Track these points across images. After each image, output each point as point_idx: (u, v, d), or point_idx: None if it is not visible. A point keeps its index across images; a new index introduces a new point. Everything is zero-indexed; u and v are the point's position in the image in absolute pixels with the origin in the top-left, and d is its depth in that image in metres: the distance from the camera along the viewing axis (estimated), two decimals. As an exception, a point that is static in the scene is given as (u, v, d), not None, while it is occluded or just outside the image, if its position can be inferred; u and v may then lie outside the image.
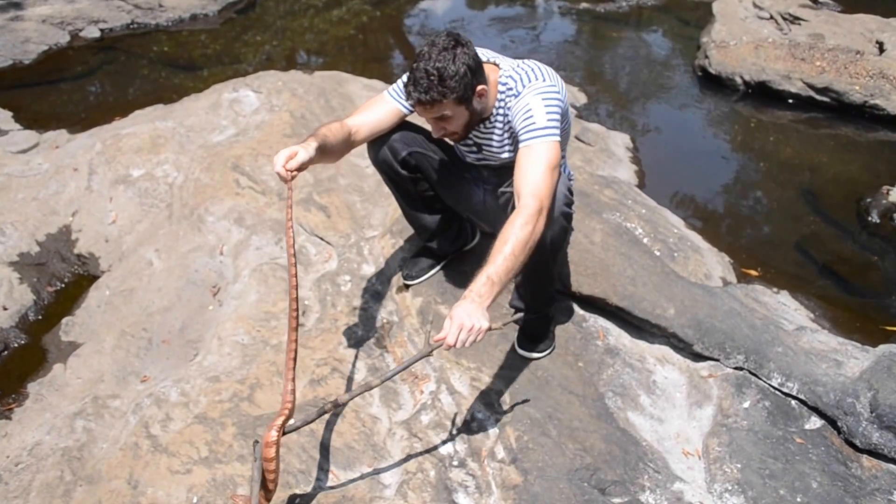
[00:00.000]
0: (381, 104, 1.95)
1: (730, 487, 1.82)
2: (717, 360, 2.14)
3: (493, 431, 1.88)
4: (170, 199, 3.01)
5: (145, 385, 2.18)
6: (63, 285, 2.84)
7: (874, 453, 1.88)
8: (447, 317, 1.52)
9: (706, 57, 4.63)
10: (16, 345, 2.54)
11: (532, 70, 1.78)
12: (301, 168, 1.67)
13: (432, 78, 1.67)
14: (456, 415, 1.94)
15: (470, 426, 1.91)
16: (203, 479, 1.77)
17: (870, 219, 3.22)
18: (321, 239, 2.68)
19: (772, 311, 2.42)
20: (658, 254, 2.54)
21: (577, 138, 3.67)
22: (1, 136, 3.77)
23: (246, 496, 1.67)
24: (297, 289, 1.64)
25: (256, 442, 1.60)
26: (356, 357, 2.15)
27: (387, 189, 2.25)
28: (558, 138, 1.70)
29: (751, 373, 2.09)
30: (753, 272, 2.89)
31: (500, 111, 1.84)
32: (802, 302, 2.67)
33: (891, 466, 1.86)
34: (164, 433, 1.91)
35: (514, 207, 1.70)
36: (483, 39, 5.27)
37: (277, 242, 2.68)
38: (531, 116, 1.70)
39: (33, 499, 1.81)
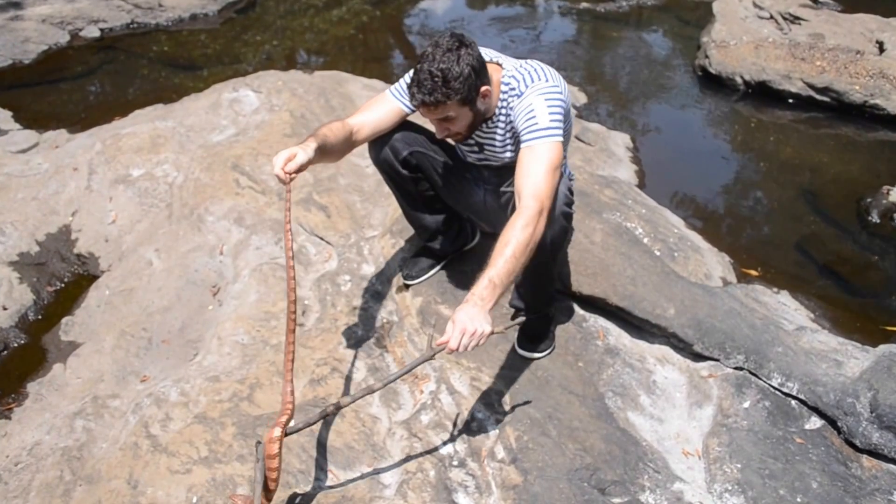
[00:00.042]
0: (382, 104, 1.95)
1: (730, 487, 1.82)
2: (717, 360, 2.14)
3: (493, 431, 1.88)
4: (170, 199, 3.01)
5: (145, 385, 2.18)
6: (63, 285, 2.84)
7: (874, 453, 1.88)
8: (450, 320, 1.52)
9: (706, 57, 4.63)
10: (15, 344, 2.54)
11: (535, 70, 1.78)
12: (300, 170, 1.66)
13: (436, 79, 1.67)
14: (456, 415, 1.94)
15: (470, 426, 1.91)
16: (203, 478, 1.77)
17: (870, 219, 3.22)
18: (321, 239, 2.68)
19: (772, 311, 2.42)
20: (658, 254, 2.54)
21: (578, 138, 3.67)
22: (1, 135, 3.77)
23: (245, 496, 1.67)
24: (294, 291, 1.64)
25: (259, 443, 1.60)
26: (356, 357, 2.15)
27: (387, 189, 2.25)
28: (561, 139, 1.70)
29: (751, 373, 2.09)
30: (753, 272, 2.89)
31: (503, 111, 1.83)
32: (802, 302, 2.67)
33: (891, 466, 1.86)
34: (163, 433, 1.91)
35: (514, 207, 1.70)
36: (483, 39, 5.27)
37: (277, 242, 2.68)
38: (534, 117, 1.70)
39: (33, 498, 1.81)
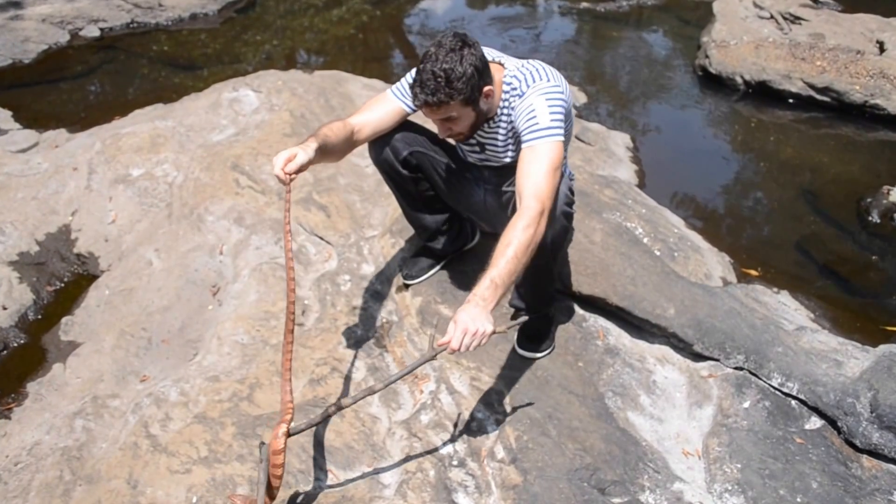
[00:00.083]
0: (383, 103, 1.95)
1: (730, 487, 1.82)
2: (717, 360, 2.14)
3: (493, 431, 1.88)
4: (169, 199, 3.01)
5: (145, 385, 2.18)
6: (62, 285, 2.84)
7: (874, 453, 1.88)
8: (451, 321, 1.52)
9: (706, 56, 4.62)
10: (15, 344, 2.54)
11: (537, 70, 1.78)
12: (300, 170, 1.66)
13: (439, 80, 1.66)
14: (456, 415, 1.93)
15: (469, 426, 1.91)
16: (202, 478, 1.77)
17: (870, 219, 3.22)
18: (321, 238, 2.68)
19: (772, 311, 2.42)
20: (658, 253, 2.54)
21: (577, 138, 3.67)
22: (0, 135, 3.77)
23: (244, 496, 1.67)
24: (294, 292, 1.64)
25: (263, 443, 1.60)
26: (356, 357, 2.15)
27: (387, 188, 2.25)
28: (562, 139, 1.70)
29: (751, 373, 2.09)
30: (754, 272, 2.89)
31: (505, 111, 1.83)
32: (802, 302, 2.67)
33: (891, 466, 1.86)
34: (163, 433, 1.91)
35: (514, 207, 1.70)
36: (483, 39, 5.25)
37: (277, 242, 2.67)
38: (535, 116, 1.70)
39: (32, 498, 1.81)
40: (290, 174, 1.64)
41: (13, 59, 4.87)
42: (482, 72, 1.72)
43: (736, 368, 2.11)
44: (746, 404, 2.01)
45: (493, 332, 1.53)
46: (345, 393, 2.02)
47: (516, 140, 1.87)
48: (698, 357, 2.16)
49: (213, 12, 5.75)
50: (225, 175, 3.01)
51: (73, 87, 4.68)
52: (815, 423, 1.97)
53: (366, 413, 1.97)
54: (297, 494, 1.74)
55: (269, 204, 2.88)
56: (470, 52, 1.69)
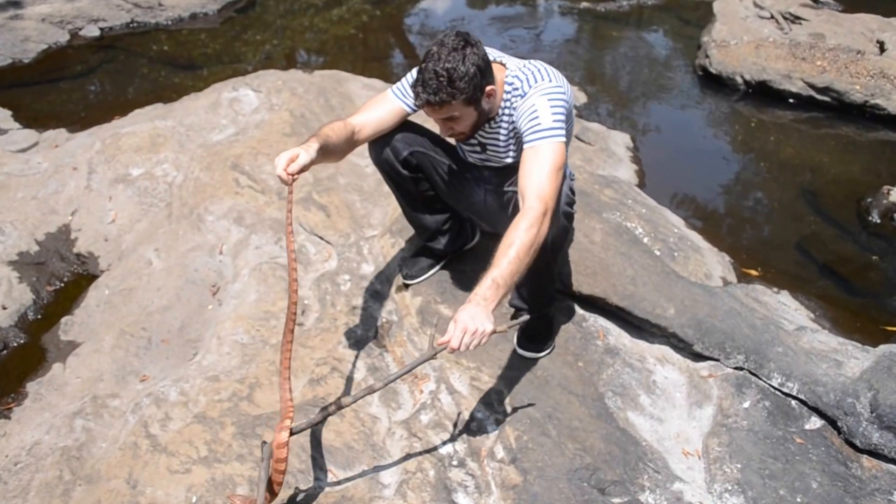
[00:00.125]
0: (384, 103, 1.94)
1: (730, 487, 1.82)
2: (717, 360, 2.14)
3: (493, 431, 1.88)
4: (169, 199, 3.01)
5: (144, 384, 2.18)
6: (62, 284, 2.84)
7: (874, 453, 1.88)
8: (451, 320, 1.52)
9: (707, 56, 4.62)
10: (15, 344, 2.54)
11: (538, 70, 1.78)
12: (302, 170, 1.66)
13: (442, 79, 1.66)
14: (456, 415, 1.93)
15: (469, 426, 1.90)
16: (202, 478, 1.76)
17: (870, 219, 3.22)
18: (321, 238, 2.67)
19: (772, 311, 2.42)
20: (658, 253, 2.54)
21: (578, 137, 3.67)
22: (0, 134, 3.77)
23: (244, 496, 1.67)
24: (296, 293, 1.64)
25: (264, 443, 1.60)
26: (355, 356, 2.15)
27: (386, 188, 2.25)
28: (564, 139, 1.70)
29: (751, 373, 2.09)
30: (754, 272, 2.89)
31: (506, 111, 1.83)
32: (803, 302, 2.67)
33: (891, 467, 1.86)
34: (163, 433, 1.90)
35: (515, 207, 1.69)
36: (483, 39, 5.23)
37: (277, 241, 2.67)
38: (537, 117, 1.69)
39: (32, 498, 1.81)
40: (293, 174, 1.63)
41: (13, 59, 4.87)
42: (484, 71, 1.72)
43: (736, 368, 2.11)
44: (746, 404, 2.01)
45: (494, 332, 1.53)
46: (345, 393, 2.02)
47: (518, 140, 1.86)
48: (698, 357, 2.16)
49: (212, 12, 5.75)
50: (225, 175, 3.01)
51: (73, 86, 4.68)
52: (815, 423, 1.97)
53: (366, 413, 1.97)
54: (297, 494, 1.74)
55: (269, 203, 2.88)
56: (472, 52, 1.68)
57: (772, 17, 4.88)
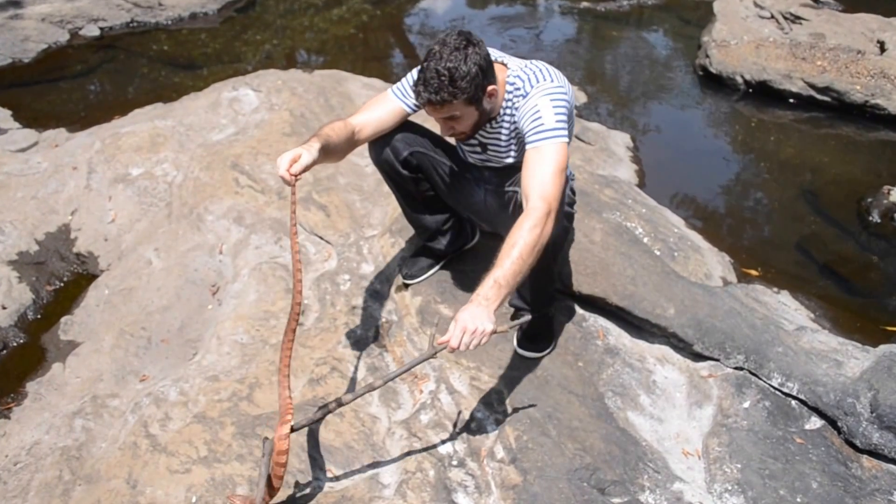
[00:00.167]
0: (384, 103, 1.94)
1: (730, 487, 1.82)
2: (717, 360, 2.13)
3: (493, 431, 1.88)
4: (169, 198, 3.00)
5: (144, 384, 2.18)
6: (62, 284, 2.84)
7: (874, 453, 1.88)
8: (453, 320, 1.52)
9: (707, 56, 4.62)
10: (15, 344, 2.54)
11: (540, 70, 1.78)
12: (305, 170, 1.66)
13: (443, 78, 1.66)
14: (456, 415, 1.93)
15: (469, 426, 1.90)
16: (202, 478, 1.76)
17: (870, 219, 3.22)
18: (320, 238, 2.67)
19: (772, 310, 2.42)
20: (658, 253, 2.53)
21: (577, 137, 3.66)
22: (0, 134, 3.77)
23: (244, 496, 1.67)
24: (301, 293, 1.64)
25: (266, 438, 1.60)
26: (355, 356, 2.15)
27: (386, 188, 2.25)
28: (566, 139, 1.70)
29: (751, 373, 2.09)
30: (754, 272, 2.88)
31: (508, 111, 1.83)
32: (803, 302, 2.67)
33: (891, 467, 1.86)
34: (162, 433, 1.90)
35: (515, 207, 1.69)
36: (483, 39, 5.26)
37: (277, 241, 2.67)
38: (540, 117, 1.69)
39: (32, 498, 1.81)
40: (296, 175, 1.63)
41: (13, 59, 4.87)
42: (486, 71, 1.71)
43: (736, 368, 2.11)
44: (746, 404, 2.01)
45: (494, 332, 1.52)
46: (345, 392, 2.02)
47: (519, 140, 1.86)
48: (698, 357, 2.16)
49: (212, 11, 5.75)
50: (224, 174, 3.01)
51: (73, 86, 4.68)
52: (815, 423, 1.97)
53: (365, 413, 1.97)
54: (296, 494, 1.73)
55: (269, 203, 2.88)
56: (474, 51, 1.68)
57: (772, 16, 4.88)
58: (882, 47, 4.42)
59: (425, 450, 1.84)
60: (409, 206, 2.19)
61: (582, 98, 4.44)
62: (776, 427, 1.95)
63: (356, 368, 2.11)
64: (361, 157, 3.05)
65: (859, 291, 2.88)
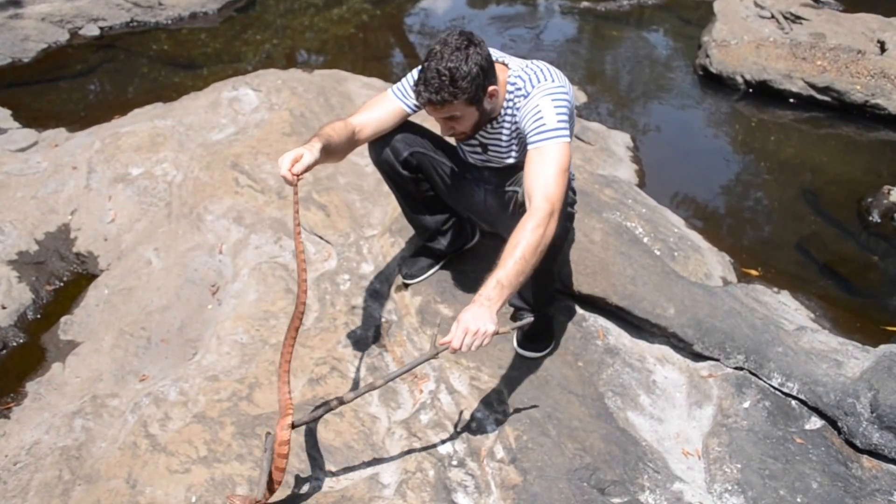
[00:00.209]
0: (384, 103, 1.94)
1: (730, 487, 1.82)
2: (717, 359, 2.13)
3: (493, 431, 1.88)
4: (169, 198, 3.00)
5: (144, 384, 2.18)
6: (62, 284, 2.84)
7: (874, 454, 1.88)
8: (455, 320, 1.52)
9: (707, 56, 4.62)
10: (14, 344, 2.53)
11: (541, 70, 1.77)
12: (307, 170, 1.66)
13: (444, 78, 1.65)
14: (456, 414, 1.93)
15: (469, 426, 1.90)
16: (202, 478, 1.76)
17: (871, 219, 3.22)
18: (320, 238, 2.67)
19: (772, 310, 2.42)
20: (658, 253, 2.53)
21: (577, 137, 3.66)
22: (0, 134, 3.77)
23: (243, 496, 1.67)
24: (305, 293, 1.64)
25: (269, 433, 1.60)
26: (355, 356, 2.14)
27: (386, 188, 2.25)
28: (568, 139, 1.70)
29: (751, 373, 2.09)
30: (754, 272, 2.88)
31: (509, 111, 1.83)
32: (803, 302, 2.66)
33: (891, 467, 1.86)
34: (162, 432, 1.90)
35: (516, 207, 1.69)
36: (483, 38, 5.26)
37: (276, 241, 2.67)
38: (542, 118, 1.69)
39: (32, 498, 1.81)
40: (298, 175, 1.63)
41: (13, 58, 4.86)
42: (487, 71, 1.71)
43: (736, 368, 2.11)
44: (746, 404, 2.01)
45: (496, 333, 1.52)
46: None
47: (520, 141, 1.86)
48: (698, 357, 2.16)
49: (212, 11, 5.75)
50: (224, 174, 3.01)
51: (73, 86, 4.68)
52: (815, 423, 1.97)
53: (365, 413, 1.97)
54: (296, 494, 1.73)
55: (269, 203, 2.88)
56: (475, 51, 1.68)
57: (772, 16, 4.88)
58: (882, 47, 4.41)
59: (425, 449, 1.84)
60: (409, 207, 2.19)
61: (582, 98, 4.43)
62: (776, 427, 1.95)
63: (356, 368, 2.11)
64: (361, 157, 3.05)
65: (859, 291, 2.88)
